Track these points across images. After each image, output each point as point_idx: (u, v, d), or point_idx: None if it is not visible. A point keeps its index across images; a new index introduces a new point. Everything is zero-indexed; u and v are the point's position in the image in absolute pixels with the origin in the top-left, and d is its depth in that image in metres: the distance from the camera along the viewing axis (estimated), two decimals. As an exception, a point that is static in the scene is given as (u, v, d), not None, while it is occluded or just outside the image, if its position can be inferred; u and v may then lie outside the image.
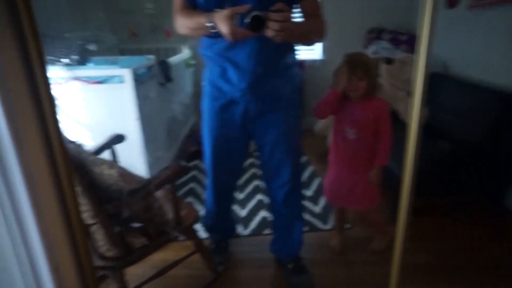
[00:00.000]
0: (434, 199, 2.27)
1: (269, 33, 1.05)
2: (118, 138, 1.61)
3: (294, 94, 1.41)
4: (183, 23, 1.24)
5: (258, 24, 1.05)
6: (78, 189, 1.08)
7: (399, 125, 2.60)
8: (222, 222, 1.74)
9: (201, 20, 1.14)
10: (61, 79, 1.87)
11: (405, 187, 0.91)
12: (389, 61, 2.78)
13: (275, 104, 1.36)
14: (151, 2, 3.21)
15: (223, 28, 1.05)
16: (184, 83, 3.18)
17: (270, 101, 1.35)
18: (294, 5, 1.24)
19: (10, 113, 0.73)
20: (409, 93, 2.75)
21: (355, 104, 1.58)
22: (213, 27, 1.09)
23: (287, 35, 1.06)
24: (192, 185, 2.57)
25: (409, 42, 3.28)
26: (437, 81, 2.66)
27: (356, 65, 1.52)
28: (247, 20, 1.05)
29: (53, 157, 0.78)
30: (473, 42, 2.55)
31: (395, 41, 3.27)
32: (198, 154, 2.91)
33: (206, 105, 1.42)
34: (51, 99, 0.75)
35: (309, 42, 1.33)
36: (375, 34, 3.30)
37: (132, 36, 3.28)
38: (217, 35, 1.14)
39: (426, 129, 1.01)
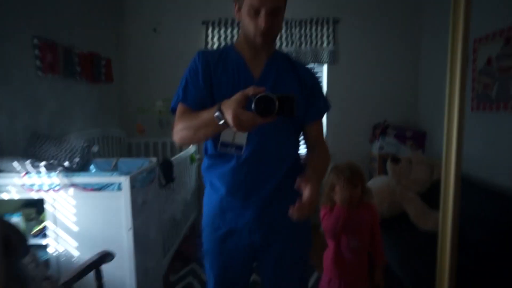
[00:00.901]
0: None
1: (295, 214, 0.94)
2: (107, 257, 1.50)
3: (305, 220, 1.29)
4: (185, 126, 1.07)
5: (266, 106, 0.90)
6: None
7: (409, 225, 2.45)
8: None
9: (209, 114, 0.98)
10: (57, 185, 1.83)
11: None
12: (395, 160, 2.73)
13: (283, 234, 1.21)
14: (161, 100, 3.36)
15: (228, 113, 0.90)
16: (187, 180, 3.14)
17: (278, 231, 1.20)
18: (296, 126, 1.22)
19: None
20: (419, 194, 2.63)
21: (351, 213, 1.61)
22: (221, 117, 0.94)
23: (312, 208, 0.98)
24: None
25: (415, 138, 3.26)
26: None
27: (352, 174, 1.61)
28: (254, 101, 0.90)
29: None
30: (475, 142, 2.50)
31: (401, 137, 3.27)
32: (195, 257, 2.73)
33: (206, 236, 1.27)
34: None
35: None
36: (381, 129, 3.32)
37: (140, 132, 3.36)
38: (222, 153, 1.10)
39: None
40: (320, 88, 1.27)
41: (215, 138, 1.15)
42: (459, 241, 0.55)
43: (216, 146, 1.15)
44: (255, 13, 1.04)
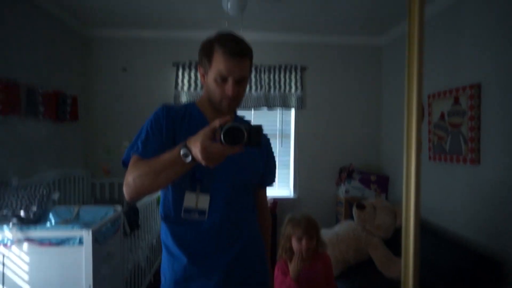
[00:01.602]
0: None
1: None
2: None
3: (266, 267, 1.29)
4: (142, 172, 0.98)
5: (235, 136, 0.89)
6: None
7: (375, 272, 2.50)
8: None
9: (173, 153, 0.93)
10: (8, 240, 1.70)
11: None
12: (360, 206, 2.80)
13: None
14: (127, 141, 3.29)
15: (196, 146, 0.88)
16: (153, 223, 3.04)
17: None
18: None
19: None
20: (384, 240, 2.70)
21: (307, 266, 1.67)
22: (188, 154, 0.90)
23: None
24: None
25: (379, 183, 3.39)
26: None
27: (308, 226, 1.68)
28: (222, 132, 0.89)
29: None
30: (434, 190, 2.65)
31: (365, 181, 3.39)
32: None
33: None
34: None
35: None
36: (346, 173, 3.43)
37: (106, 174, 3.25)
38: (183, 221, 1.08)
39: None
40: (274, 158, 1.36)
41: (175, 203, 1.13)
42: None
43: (176, 211, 1.13)
44: (222, 80, 1.08)
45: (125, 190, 1.03)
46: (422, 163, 2.76)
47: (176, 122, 1.13)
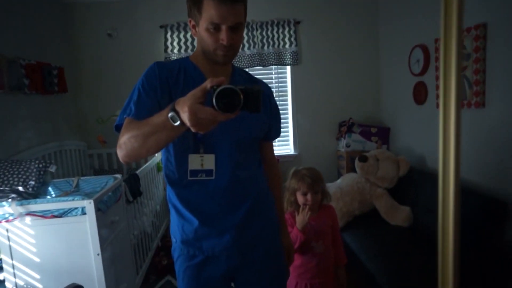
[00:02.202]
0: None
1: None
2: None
3: (277, 236, 1.28)
4: (133, 134, 0.90)
5: (229, 100, 0.77)
6: None
7: (381, 221, 2.53)
8: None
9: (161, 116, 0.84)
10: (10, 215, 1.67)
11: None
12: (363, 158, 2.78)
13: (261, 253, 1.18)
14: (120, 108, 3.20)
15: (184, 110, 0.77)
16: (154, 190, 3.03)
17: (255, 250, 1.17)
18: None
19: None
20: (387, 189, 2.71)
21: (313, 218, 1.66)
22: (176, 118, 0.80)
23: None
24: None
25: (379, 134, 3.36)
26: (416, 177, 2.65)
27: (313, 180, 1.66)
28: (214, 95, 0.77)
29: None
30: (438, 136, 2.61)
31: (366, 134, 3.35)
32: (170, 268, 2.64)
33: (179, 265, 1.18)
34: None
35: None
36: (346, 127, 3.38)
37: (102, 144, 3.18)
38: (190, 183, 1.04)
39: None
40: (278, 110, 1.31)
41: (179, 166, 1.08)
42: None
43: (180, 174, 1.08)
44: (214, 29, 0.98)
45: (118, 152, 0.98)
46: (430, 112, 2.72)
47: (171, 78, 1.05)
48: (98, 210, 1.72)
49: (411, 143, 3.05)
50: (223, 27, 0.98)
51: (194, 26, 1.05)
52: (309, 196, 1.66)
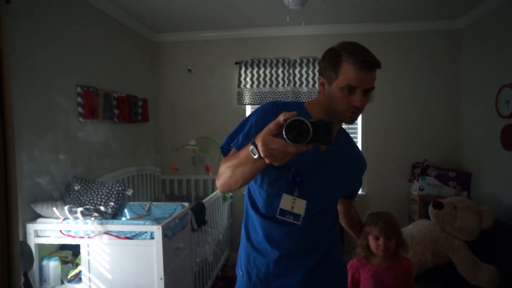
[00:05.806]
0: None
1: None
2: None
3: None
4: (227, 165, 0.99)
5: (298, 132, 0.80)
6: None
7: (457, 277, 2.24)
8: None
9: (246, 149, 0.90)
10: (92, 232, 1.86)
11: None
12: (438, 205, 2.54)
13: None
14: (194, 139, 3.42)
15: (259, 142, 0.83)
16: (219, 219, 3.12)
17: None
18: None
19: None
20: (466, 242, 2.42)
21: (382, 267, 1.59)
22: (255, 151, 0.85)
23: None
24: None
25: (459, 179, 3.07)
26: (503, 231, 2.34)
27: (386, 225, 1.56)
28: (284, 127, 0.81)
29: None
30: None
31: (443, 178, 3.08)
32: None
33: None
34: None
35: None
36: (421, 169, 3.15)
37: (174, 170, 3.42)
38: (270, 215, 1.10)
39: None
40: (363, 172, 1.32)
41: (268, 200, 1.12)
42: None
43: (267, 209, 1.13)
44: (349, 90, 1.03)
45: (216, 182, 1.07)
46: (503, 156, 2.42)
47: None
48: (164, 236, 1.83)
49: (497, 192, 2.72)
50: (358, 90, 1.03)
51: (323, 84, 1.11)
52: (381, 241, 1.57)
